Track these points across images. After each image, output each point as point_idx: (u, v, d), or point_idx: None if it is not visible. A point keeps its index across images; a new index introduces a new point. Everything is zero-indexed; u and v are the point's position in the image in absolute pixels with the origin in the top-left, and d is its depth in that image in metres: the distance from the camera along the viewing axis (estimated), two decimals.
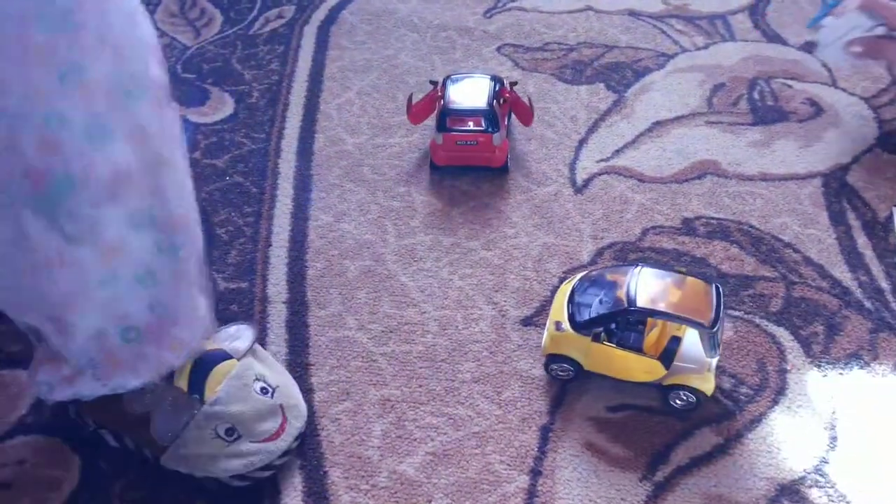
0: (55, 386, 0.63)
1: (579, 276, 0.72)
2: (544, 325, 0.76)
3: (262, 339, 0.75)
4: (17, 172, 0.52)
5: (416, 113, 0.94)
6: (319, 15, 1.19)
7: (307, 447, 0.67)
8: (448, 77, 0.93)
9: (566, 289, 0.72)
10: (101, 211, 0.54)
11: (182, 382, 0.64)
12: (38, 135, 0.51)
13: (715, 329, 0.63)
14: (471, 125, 0.89)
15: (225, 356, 0.66)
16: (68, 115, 0.51)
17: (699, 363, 0.66)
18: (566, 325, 0.68)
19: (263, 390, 0.66)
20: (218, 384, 0.64)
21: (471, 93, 0.90)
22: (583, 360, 0.69)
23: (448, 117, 0.89)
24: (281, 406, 0.66)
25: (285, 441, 0.65)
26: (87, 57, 0.52)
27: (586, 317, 0.67)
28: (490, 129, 0.88)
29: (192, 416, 0.64)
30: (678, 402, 0.68)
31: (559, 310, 0.70)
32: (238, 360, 0.67)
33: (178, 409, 0.64)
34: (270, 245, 0.84)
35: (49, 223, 0.53)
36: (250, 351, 0.68)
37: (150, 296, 0.59)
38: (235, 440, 0.64)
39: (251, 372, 0.67)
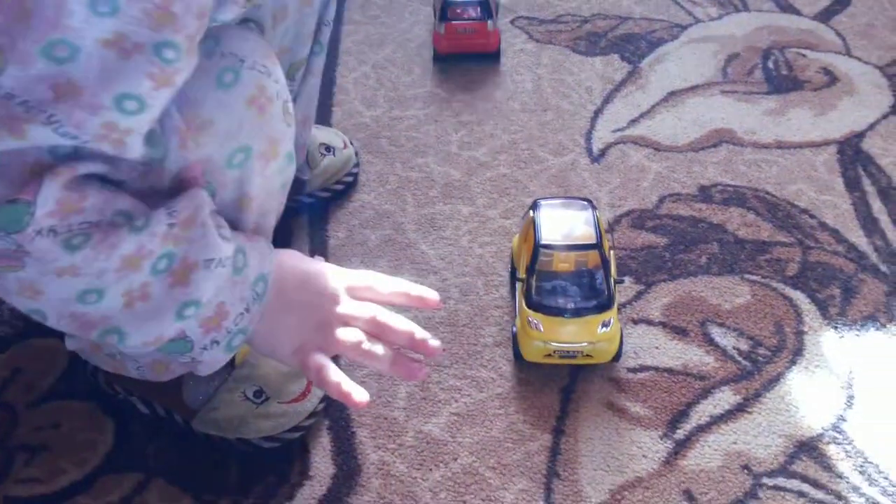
0: (93, 358, 0.65)
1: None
2: None
3: None
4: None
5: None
6: None
7: (334, 409, 0.69)
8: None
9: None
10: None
11: None
12: None
13: None
14: (470, 13, 1.02)
15: None
16: None
17: None
18: None
19: None
20: (246, 349, 0.66)
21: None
22: None
23: (448, 7, 1.01)
24: None
25: (311, 402, 0.66)
26: None
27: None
28: (485, 17, 1.02)
29: (223, 380, 0.66)
30: None
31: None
32: None
33: (210, 374, 0.65)
34: (291, 216, 0.86)
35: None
36: None
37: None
38: (263, 402, 0.65)
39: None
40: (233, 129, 0.53)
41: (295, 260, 0.61)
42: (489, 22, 1.01)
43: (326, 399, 0.68)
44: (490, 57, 1.04)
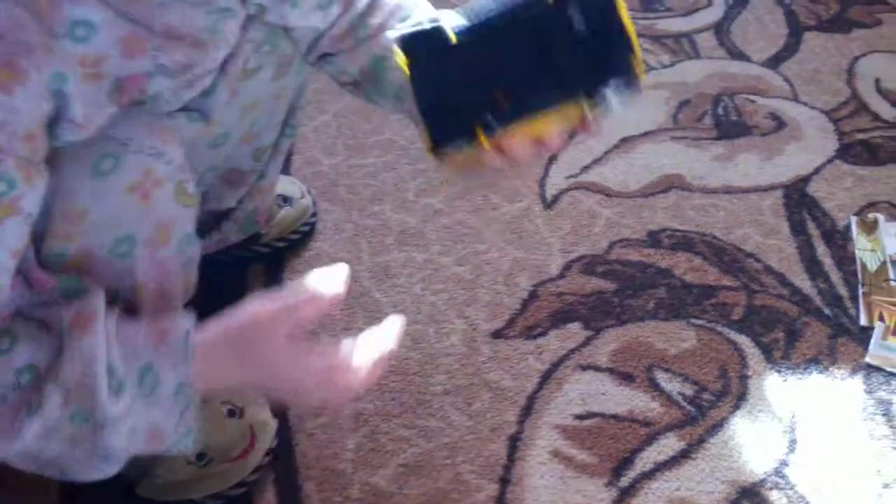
0: None
1: None
2: (514, 337, 0.78)
3: None
4: None
5: None
6: None
7: (281, 462, 0.69)
8: None
9: None
10: None
11: None
12: None
13: None
14: None
15: None
16: None
17: None
18: None
19: (231, 412, 0.68)
20: None
21: None
22: None
23: None
24: (250, 426, 0.68)
25: (255, 458, 0.67)
26: None
27: None
28: None
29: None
30: None
31: None
32: None
33: None
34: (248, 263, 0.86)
35: None
36: None
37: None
38: (207, 464, 0.65)
39: (217, 396, 0.68)
40: (110, 219, 0.51)
41: (223, 331, 0.54)
42: None
43: (273, 452, 0.68)
44: None
